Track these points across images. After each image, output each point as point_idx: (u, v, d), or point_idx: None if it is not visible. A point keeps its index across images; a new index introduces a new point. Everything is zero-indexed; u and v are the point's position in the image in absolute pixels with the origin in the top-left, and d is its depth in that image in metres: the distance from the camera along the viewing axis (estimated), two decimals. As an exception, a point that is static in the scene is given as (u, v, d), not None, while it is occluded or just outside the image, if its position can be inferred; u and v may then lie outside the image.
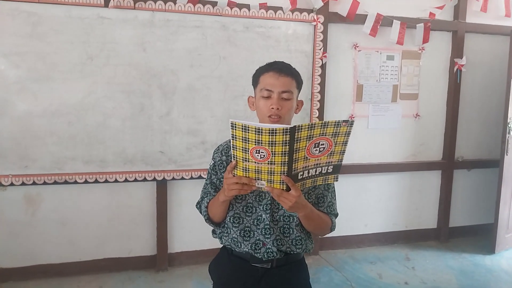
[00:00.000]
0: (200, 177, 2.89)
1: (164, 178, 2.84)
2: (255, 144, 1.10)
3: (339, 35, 3.15)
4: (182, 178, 2.88)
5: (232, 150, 1.16)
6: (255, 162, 1.14)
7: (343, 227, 1.33)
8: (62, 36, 2.56)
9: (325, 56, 3.04)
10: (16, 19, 2.49)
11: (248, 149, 1.12)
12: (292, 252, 1.41)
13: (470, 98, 3.55)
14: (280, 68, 1.36)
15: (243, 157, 1.15)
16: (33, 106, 2.57)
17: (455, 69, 3.41)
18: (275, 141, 1.08)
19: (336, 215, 1.46)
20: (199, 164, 2.88)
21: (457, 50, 3.40)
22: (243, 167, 1.17)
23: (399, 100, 3.36)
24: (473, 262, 3.27)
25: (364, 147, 3.30)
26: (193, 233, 3.02)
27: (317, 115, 3.09)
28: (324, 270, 3.05)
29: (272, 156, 1.11)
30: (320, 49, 3.03)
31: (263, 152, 1.11)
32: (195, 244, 3.05)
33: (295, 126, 1.08)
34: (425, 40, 3.27)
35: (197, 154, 2.88)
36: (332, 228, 1.44)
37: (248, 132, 1.09)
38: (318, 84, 3.06)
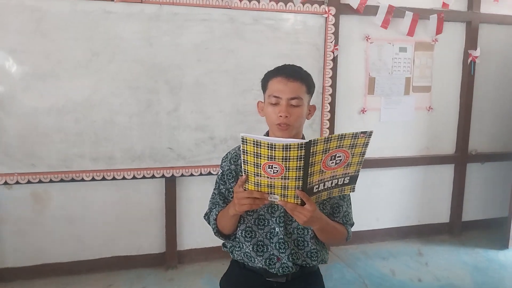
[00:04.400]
0: (209, 173, 2.84)
1: (173, 174, 2.80)
2: (268, 160, 1.04)
3: (350, 27, 3.06)
4: (191, 175, 2.83)
5: (243, 165, 1.09)
6: (268, 177, 1.08)
7: (355, 222, 1.30)
8: (67, 32, 2.50)
9: (336, 49, 2.96)
10: (20, 15, 2.42)
11: (260, 164, 1.06)
12: (307, 265, 1.35)
13: (484, 90, 3.47)
14: (289, 73, 1.28)
15: (254, 172, 1.08)
16: (39, 104, 2.52)
17: (469, 60, 3.32)
18: (289, 156, 1.02)
19: (352, 225, 1.40)
20: (208, 160, 2.83)
21: (471, 41, 3.31)
22: (254, 181, 1.11)
23: (411, 93, 3.28)
24: (486, 258, 3.21)
25: (376, 140, 3.16)
26: (202, 230, 2.98)
27: (328, 109, 3.03)
28: (336, 266, 3.01)
29: (286, 171, 1.05)
30: (331, 42, 2.95)
31: (276, 168, 1.05)
32: (205, 241, 3.01)
33: (311, 140, 1.02)
34: (439, 31, 3.18)
35: (205, 150, 2.83)
36: (348, 239, 1.39)
37: (261, 148, 1.03)
38: (329, 77, 2.98)
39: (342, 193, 1.21)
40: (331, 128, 3.06)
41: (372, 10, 3.01)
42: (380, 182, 3.34)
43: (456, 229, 3.56)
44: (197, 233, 2.99)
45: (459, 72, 3.39)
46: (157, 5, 2.61)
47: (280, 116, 1.25)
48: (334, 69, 3.00)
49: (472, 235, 3.57)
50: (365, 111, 3.19)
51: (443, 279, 2.90)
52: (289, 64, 1.35)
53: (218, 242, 2.99)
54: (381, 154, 3.28)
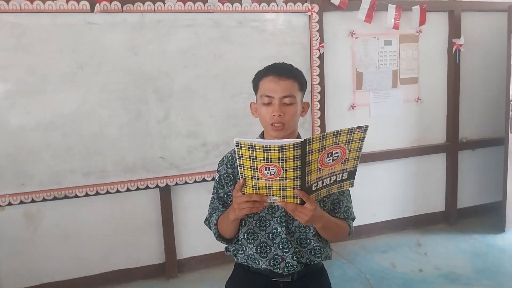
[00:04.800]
0: (203, 180, 2.82)
1: (167, 184, 2.76)
2: (264, 162, 1.03)
3: (335, 23, 3.06)
4: (186, 183, 2.80)
5: (239, 169, 1.08)
6: (266, 180, 1.07)
7: (355, 219, 1.31)
8: (50, 45, 2.45)
9: (322, 47, 2.96)
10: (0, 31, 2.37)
11: (257, 167, 1.05)
12: (312, 262, 1.35)
13: (471, 77, 3.50)
14: (280, 71, 1.26)
15: (251, 175, 1.07)
16: (25, 121, 2.47)
17: (453, 49, 3.35)
18: (285, 157, 1.01)
19: (353, 219, 1.40)
20: (202, 167, 2.81)
21: (455, 30, 3.35)
22: (252, 184, 1.10)
23: (399, 85, 3.30)
24: (484, 243, 3.25)
25: (368, 135, 3.18)
26: (201, 237, 2.95)
27: (318, 107, 3.03)
28: (336, 263, 3.01)
29: (283, 172, 1.04)
30: (316, 40, 2.95)
31: (273, 169, 1.04)
32: (204, 248, 2.99)
33: (306, 139, 1.01)
34: (422, 22, 3.21)
35: (199, 157, 2.80)
36: (350, 233, 1.38)
37: (256, 151, 1.02)
38: (317, 75, 2.98)
39: (342, 189, 1.21)
40: (322, 126, 3.06)
41: (355, 5, 3.02)
42: (374, 176, 3.36)
43: (452, 217, 3.59)
44: (195, 241, 2.97)
45: (445, 61, 3.42)
46: (139, 14, 2.58)
47: (274, 115, 1.23)
48: (321, 66, 3.00)
49: (469, 221, 3.61)
50: (355, 106, 3.20)
51: (444, 267, 2.92)
52: (279, 62, 1.33)
53: (217, 248, 2.96)
54: (373, 148, 3.29)
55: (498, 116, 3.52)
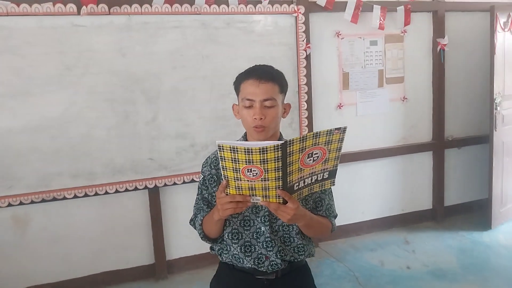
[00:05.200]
0: (192, 180, 2.83)
1: (155, 185, 2.77)
2: (246, 164, 1.05)
3: (321, 24, 3.10)
4: (174, 184, 2.81)
5: (222, 171, 1.10)
6: (248, 180, 1.09)
7: (341, 216, 1.31)
8: (36, 48, 2.46)
9: (308, 47, 3.00)
10: (-15, 34, 2.37)
11: (239, 169, 1.07)
12: (295, 260, 1.37)
13: (455, 76, 3.56)
14: (260, 74, 1.27)
15: (234, 177, 1.09)
16: (12, 123, 2.46)
17: (438, 49, 3.41)
18: (266, 158, 1.04)
19: (335, 217, 1.42)
20: (191, 167, 2.82)
21: (439, 30, 3.41)
22: (235, 185, 1.12)
23: (385, 85, 3.34)
24: (471, 240, 3.30)
25: (355, 134, 3.27)
26: (190, 238, 2.95)
27: (305, 107, 3.06)
28: (325, 262, 3.03)
29: (265, 173, 1.06)
30: (303, 41, 2.98)
31: (255, 171, 1.06)
32: (193, 248, 2.99)
33: (286, 141, 1.03)
34: (407, 22, 3.26)
35: (187, 158, 2.82)
36: (332, 230, 1.41)
37: (237, 153, 1.04)
38: (304, 76, 3.02)
39: (323, 188, 1.23)
40: (310, 126, 3.09)
41: (340, 6, 3.06)
42: (361, 175, 3.39)
43: (439, 215, 3.64)
44: (185, 242, 2.97)
45: (430, 61, 3.47)
46: (126, 16, 2.59)
47: (255, 118, 1.26)
48: (308, 67, 3.03)
49: (455, 219, 3.65)
50: (342, 106, 3.24)
51: (431, 264, 2.96)
52: (259, 65, 1.34)
53: (207, 248, 2.97)
54: (361, 147, 3.33)
55: (483, 114, 3.58)
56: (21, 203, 2.52)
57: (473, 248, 3.17)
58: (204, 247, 2.95)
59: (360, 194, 3.42)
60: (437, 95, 3.49)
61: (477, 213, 3.66)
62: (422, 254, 3.11)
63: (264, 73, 1.28)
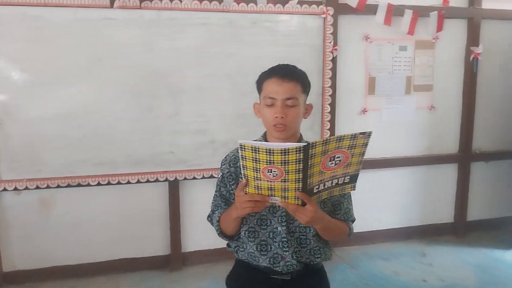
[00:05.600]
0: (211, 176, 2.87)
1: (176, 178, 2.83)
2: (267, 164, 1.05)
3: (349, 27, 3.06)
4: (194, 178, 2.86)
5: (242, 170, 1.11)
6: (268, 181, 1.09)
7: (357, 223, 1.30)
8: (69, 39, 2.55)
9: (335, 49, 2.96)
10: (22, 23, 2.48)
11: (260, 169, 1.07)
12: (311, 262, 1.37)
13: (487, 87, 3.42)
14: (283, 73, 1.28)
15: (254, 176, 1.10)
16: (43, 110, 2.58)
17: (471, 58, 3.29)
18: (288, 160, 1.03)
19: (353, 221, 1.41)
20: (209, 163, 2.86)
21: (473, 38, 3.28)
22: (255, 185, 1.12)
23: (413, 92, 3.26)
24: (492, 258, 3.18)
25: (378, 141, 3.16)
26: (206, 232, 2.96)
27: (328, 110, 3.03)
28: (338, 267, 3.01)
29: (285, 174, 1.06)
30: (330, 42, 2.95)
31: (275, 171, 1.06)
32: (208, 243, 3.03)
33: (309, 143, 1.02)
34: (439, 28, 3.16)
35: (206, 154, 2.86)
36: (350, 234, 1.40)
37: (259, 153, 1.04)
38: (329, 78, 2.99)
39: (343, 192, 1.22)
40: (332, 129, 3.06)
41: (371, 9, 3.00)
42: (382, 183, 3.33)
43: (460, 229, 3.52)
44: (200, 235, 3.02)
45: (461, 70, 3.35)
46: (156, 11, 2.65)
47: (276, 117, 1.26)
48: (334, 69, 3.00)
49: (477, 235, 3.53)
50: (366, 111, 3.19)
51: (448, 279, 2.88)
52: (283, 64, 1.34)
53: (221, 244, 3.01)
54: (383, 154, 3.26)
55: (514, 128, 3.44)
56: (48, 187, 2.64)
57: (493, 266, 3.06)
58: (219, 242, 2.98)
59: (379, 202, 3.35)
60: (467, 106, 3.37)
61: (500, 231, 3.51)
62: (440, 268, 3.03)
63: (287, 72, 1.29)
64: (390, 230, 3.43)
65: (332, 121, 3.06)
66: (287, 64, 1.35)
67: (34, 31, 2.50)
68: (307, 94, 1.34)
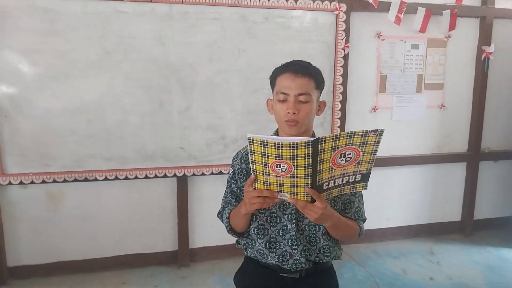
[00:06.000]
0: (220, 172, 2.85)
1: (184, 174, 2.81)
2: (276, 159, 1.04)
3: (362, 24, 3.03)
4: (203, 174, 2.84)
5: (251, 165, 1.09)
6: (276, 176, 1.08)
7: (366, 221, 1.32)
8: (79, 32, 2.51)
9: (347, 47, 2.94)
10: (32, 15, 2.44)
11: (268, 163, 1.06)
12: (320, 261, 1.36)
13: (498, 87, 3.41)
14: (297, 69, 1.26)
15: (263, 171, 1.08)
16: (52, 104, 2.54)
17: (482, 57, 3.27)
18: (296, 154, 1.02)
19: (364, 220, 1.40)
20: (219, 159, 2.84)
21: (485, 37, 3.26)
22: (263, 180, 1.11)
23: (424, 91, 3.24)
24: (499, 257, 3.19)
25: (388, 139, 3.20)
26: (214, 228, 2.99)
27: (339, 107, 3.01)
28: (347, 265, 3.01)
29: (294, 170, 1.04)
30: (342, 39, 2.92)
31: (284, 166, 1.04)
32: (216, 239, 3.03)
33: (318, 138, 1.01)
34: (452, 27, 3.13)
35: (217, 150, 2.83)
36: (360, 234, 1.38)
37: (267, 147, 1.03)
38: (340, 75, 2.96)
39: (354, 191, 1.20)
40: (342, 127, 3.05)
41: (384, 6, 2.97)
42: (391, 181, 3.32)
43: (468, 228, 3.53)
44: (208, 232, 3.01)
45: (473, 69, 3.34)
46: (167, 4, 2.61)
47: (288, 112, 1.24)
48: (345, 67, 2.97)
49: (485, 233, 3.54)
50: (377, 109, 3.17)
51: (455, 278, 2.88)
52: (297, 60, 1.33)
53: (229, 240, 3.01)
54: (393, 152, 3.25)
55: (524, 128, 3.43)
56: (54, 181, 2.61)
57: (500, 265, 3.07)
58: (227, 239, 3.01)
59: (388, 200, 3.35)
60: (477, 105, 3.35)
61: (507, 230, 3.53)
62: (447, 267, 3.04)
63: (301, 68, 1.27)
64: (399, 228, 3.43)
65: (343, 119, 3.04)
66: (301, 60, 1.33)
67: (44, 23, 2.46)
68: (321, 91, 1.32)
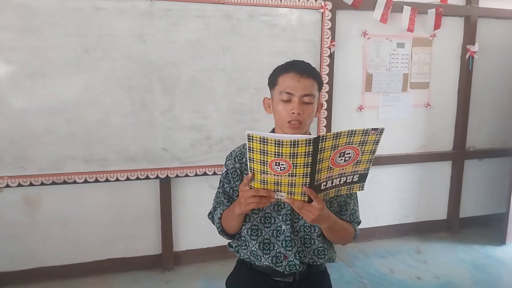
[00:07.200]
0: (205, 173, 2.79)
1: (167, 175, 2.74)
2: (275, 157, 1.01)
3: (347, 22, 3.00)
4: (186, 175, 2.77)
5: (248, 163, 1.06)
6: (275, 175, 1.05)
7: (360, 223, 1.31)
8: (57, 29, 2.42)
9: (333, 45, 2.91)
10: (6, 12, 2.34)
11: (267, 161, 1.02)
12: (315, 263, 1.32)
13: (483, 86, 3.44)
14: (302, 69, 1.24)
15: (260, 170, 1.05)
16: (28, 104, 2.44)
17: (467, 56, 3.28)
18: (296, 152, 0.99)
19: (359, 223, 1.37)
20: (204, 160, 2.78)
21: (470, 36, 3.27)
22: (260, 179, 1.07)
23: (409, 90, 3.24)
24: (484, 254, 3.21)
25: (374, 138, 3.19)
26: (199, 231, 2.94)
27: (325, 106, 2.98)
28: (334, 265, 2.98)
29: (293, 168, 1.01)
30: (328, 38, 2.89)
31: (283, 165, 1.01)
32: (201, 242, 2.97)
33: (319, 136, 0.98)
34: (437, 26, 3.14)
35: (201, 150, 2.77)
36: (355, 237, 1.36)
37: (267, 145, 0.99)
38: (326, 74, 2.93)
39: (351, 191, 1.18)
40: (328, 126, 3.02)
41: (369, 5, 2.96)
42: (378, 181, 3.31)
43: (454, 226, 3.55)
44: (193, 234, 2.95)
45: (457, 67, 3.35)
46: (149, 1, 2.54)
47: (293, 113, 1.22)
48: (331, 65, 2.95)
49: (470, 231, 3.57)
50: (363, 108, 3.15)
51: (443, 277, 2.89)
52: (299, 60, 1.31)
53: (215, 243, 2.95)
54: (379, 152, 3.16)
55: (508, 127, 3.46)
56: (31, 184, 2.51)
57: (486, 263, 3.08)
58: (212, 241, 2.96)
59: (375, 199, 3.34)
60: (462, 104, 3.37)
61: (492, 227, 3.56)
62: (434, 266, 3.04)
63: (305, 68, 1.26)
64: (386, 227, 3.43)
65: (329, 118, 3.01)
66: (302, 61, 1.31)
67: (20, 20, 2.36)
68: (320, 93, 1.32)
